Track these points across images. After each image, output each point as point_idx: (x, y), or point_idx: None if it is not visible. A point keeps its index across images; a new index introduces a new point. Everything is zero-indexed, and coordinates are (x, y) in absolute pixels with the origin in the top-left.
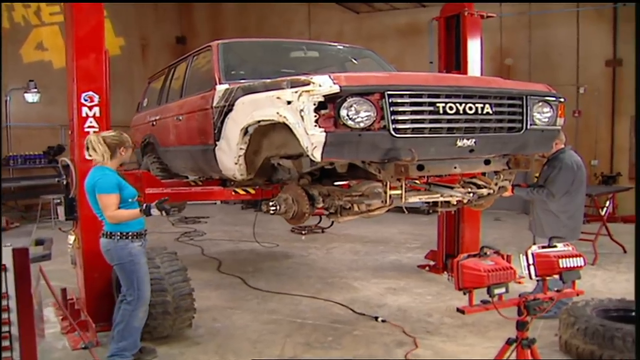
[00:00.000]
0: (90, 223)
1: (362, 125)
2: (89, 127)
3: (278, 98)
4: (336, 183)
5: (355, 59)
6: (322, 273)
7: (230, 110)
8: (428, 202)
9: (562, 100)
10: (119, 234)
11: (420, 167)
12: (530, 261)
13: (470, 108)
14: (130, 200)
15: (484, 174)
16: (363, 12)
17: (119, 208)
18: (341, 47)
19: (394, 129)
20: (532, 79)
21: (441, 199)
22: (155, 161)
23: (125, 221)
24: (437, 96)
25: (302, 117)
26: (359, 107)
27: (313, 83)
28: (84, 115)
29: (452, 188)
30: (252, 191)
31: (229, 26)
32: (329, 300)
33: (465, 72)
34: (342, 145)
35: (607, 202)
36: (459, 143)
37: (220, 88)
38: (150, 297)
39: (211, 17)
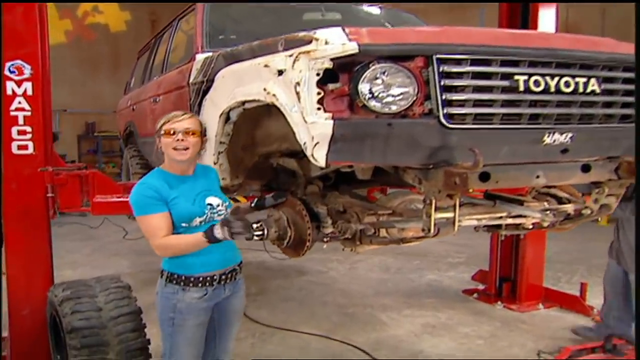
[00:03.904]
0: (19, 244)
1: (394, 108)
2: (17, 109)
3: (266, 66)
4: (361, 189)
5: (390, 24)
6: (341, 298)
7: (209, 87)
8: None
9: None
10: (168, 273)
11: (485, 177)
12: None
13: (567, 84)
14: (196, 221)
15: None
16: None
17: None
18: (372, 8)
19: (447, 116)
20: None
21: (510, 221)
22: (135, 155)
23: (182, 253)
24: (516, 64)
25: (297, 94)
26: (390, 78)
27: (316, 40)
28: (9, 92)
29: (522, 203)
30: (243, 200)
31: None
32: (347, 343)
33: None
34: (361, 141)
35: None
36: (547, 139)
37: (200, 58)
38: None
39: None
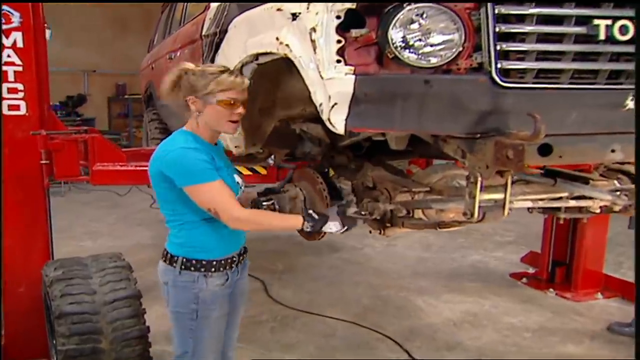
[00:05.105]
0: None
1: (433, 61)
2: (7, 64)
3: (279, 10)
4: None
5: None
6: (375, 279)
7: (222, 39)
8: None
9: None
10: (183, 260)
11: (546, 150)
12: None
13: None
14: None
15: None
16: None
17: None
18: None
19: (501, 71)
20: None
21: (573, 203)
22: (154, 119)
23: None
24: (597, 3)
25: (313, 43)
26: (430, 22)
27: None
28: None
29: (587, 182)
30: (263, 171)
31: None
32: (376, 331)
33: None
34: (390, 103)
35: None
36: (630, 103)
37: (214, 6)
38: None
39: None
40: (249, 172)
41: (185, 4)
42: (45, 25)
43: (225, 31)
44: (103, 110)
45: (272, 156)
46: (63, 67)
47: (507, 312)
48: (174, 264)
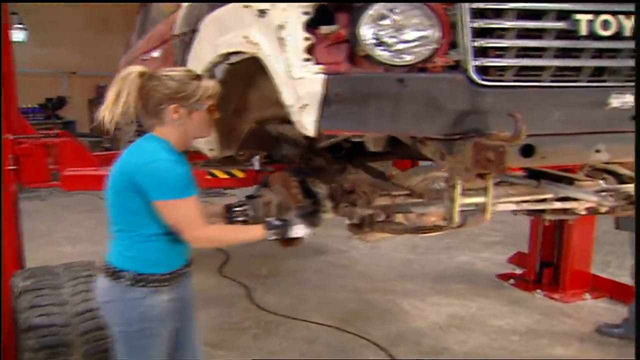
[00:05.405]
0: None
1: (408, 59)
2: None
3: (247, 7)
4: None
5: None
6: (360, 282)
7: (193, 39)
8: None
9: None
10: (132, 275)
11: (529, 151)
12: None
13: None
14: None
15: None
16: None
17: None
18: None
19: (479, 69)
20: None
21: (558, 205)
22: (131, 122)
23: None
24: None
25: (281, 41)
26: (403, 18)
27: None
28: None
29: (571, 182)
30: (240, 174)
31: None
32: (361, 337)
33: None
34: (363, 103)
35: None
36: (614, 101)
37: (185, 4)
38: None
39: None
40: (225, 176)
41: (160, 3)
42: (22, 25)
43: (197, 30)
44: (84, 113)
45: (257, 158)
46: (43, 69)
47: (495, 314)
48: (122, 279)
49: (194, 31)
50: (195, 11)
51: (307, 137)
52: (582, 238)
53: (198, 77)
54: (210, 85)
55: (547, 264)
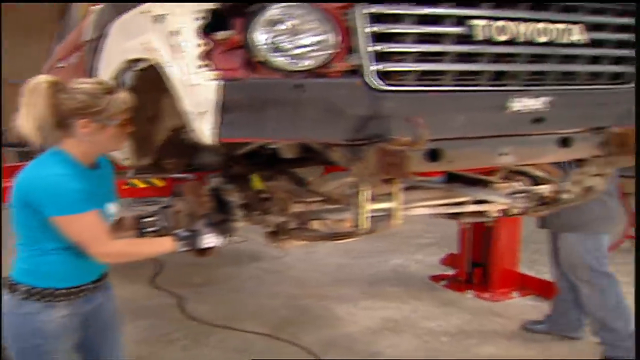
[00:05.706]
0: None
1: (305, 64)
2: None
3: (145, 13)
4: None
5: None
6: (294, 288)
7: (101, 45)
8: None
9: None
10: (26, 288)
11: (435, 155)
12: None
13: (542, 32)
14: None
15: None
16: None
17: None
18: None
19: (378, 74)
20: None
21: (471, 208)
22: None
23: (137, 258)
24: (473, 3)
25: (177, 48)
26: (298, 22)
27: None
28: None
29: (486, 185)
30: (160, 183)
31: None
32: (294, 344)
33: None
34: (261, 110)
35: None
36: (515, 104)
37: (95, 9)
38: None
39: None
40: (144, 185)
41: (76, 6)
42: None
43: (104, 36)
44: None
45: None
46: None
47: (427, 316)
48: (16, 292)
49: (102, 37)
50: (105, 16)
51: (224, 145)
52: (509, 238)
53: (111, 91)
54: (123, 99)
55: (477, 264)
